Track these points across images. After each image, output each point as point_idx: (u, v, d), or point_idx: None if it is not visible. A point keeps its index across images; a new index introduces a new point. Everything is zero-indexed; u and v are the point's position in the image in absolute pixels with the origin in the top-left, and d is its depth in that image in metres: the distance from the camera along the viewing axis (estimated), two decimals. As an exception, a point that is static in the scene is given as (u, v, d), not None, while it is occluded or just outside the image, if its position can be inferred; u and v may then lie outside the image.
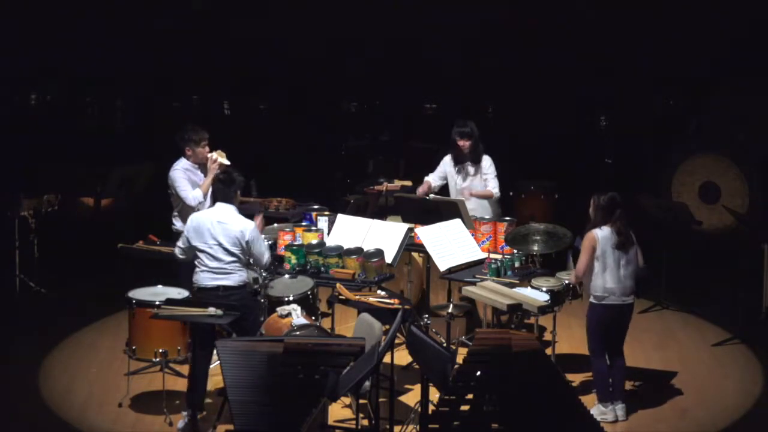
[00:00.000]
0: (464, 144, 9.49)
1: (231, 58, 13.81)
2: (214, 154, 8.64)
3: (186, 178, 8.59)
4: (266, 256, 7.69)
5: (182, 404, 7.79)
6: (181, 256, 7.72)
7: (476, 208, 9.40)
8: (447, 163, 9.68)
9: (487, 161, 9.54)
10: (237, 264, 7.54)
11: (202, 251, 7.53)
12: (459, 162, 9.59)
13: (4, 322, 9.85)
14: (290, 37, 13.55)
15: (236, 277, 7.56)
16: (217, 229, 7.51)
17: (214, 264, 7.51)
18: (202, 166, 8.69)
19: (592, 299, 7.78)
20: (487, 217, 9.17)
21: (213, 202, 7.82)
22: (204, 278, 7.55)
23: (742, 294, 9.65)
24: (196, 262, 7.59)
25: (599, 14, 13.03)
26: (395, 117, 14.19)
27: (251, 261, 7.67)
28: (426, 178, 9.76)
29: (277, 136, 13.97)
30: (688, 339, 9.59)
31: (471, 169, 9.55)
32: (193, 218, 7.68)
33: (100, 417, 7.87)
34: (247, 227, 7.53)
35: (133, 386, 8.16)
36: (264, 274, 8.22)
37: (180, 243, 7.71)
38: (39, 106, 14.11)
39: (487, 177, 9.51)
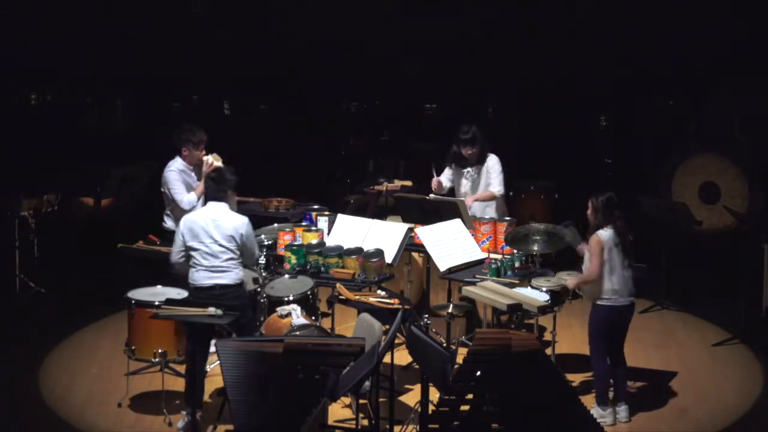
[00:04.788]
0: (470, 152, 9.27)
1: (232, 58, 13.80)
2: (210, 158, 8.64)
3: (180, 180, 8.60)
4: (257, 252, 7.78)
5: (182, 404, 7.79)
6: (178, 259, 7.64)
7: (477, 208, 9.26)
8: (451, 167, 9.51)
9: (492, 160, 9.30)
10: (233, 261, 7.52)
11: (197, 250, 7.50)
12: (461, 167, 9.40)
13: (4, 322, 9.85)
14: (290, 37, 13.55)
15: (232, 275, 7.54)
16: (212, 227, 7.49)
17: (209, 262, 7.48)
18: (197, 168, 8.69)
19: (599, 302, 7.67)
20: (488, 216, 9.09)
21: (205, 202, 7.81)
22: (200, 277, 7.52)
23: (742, 294, 9.65)
24: (191, 262, 7.55)
25: (599, 14, 13.03)
26: (395, 117, 14.18)
27: (244, 256, 7.63)
28: (437, 177, 9.45)
29: (277, 136, 13.96)
30: (688, 339, 9.59)
31: (474, 173, 9.38)
32: (186, 219, 7.64)
33: (100, 417, 7.87)
34: (240, 222, 7.53)
35: (133, 386, 8.17)
36: (264, 273, 8.24)
37: (175, 247, 7.64)
38: (39, 106, 14.10)
39: (490, 176, 9.32)
